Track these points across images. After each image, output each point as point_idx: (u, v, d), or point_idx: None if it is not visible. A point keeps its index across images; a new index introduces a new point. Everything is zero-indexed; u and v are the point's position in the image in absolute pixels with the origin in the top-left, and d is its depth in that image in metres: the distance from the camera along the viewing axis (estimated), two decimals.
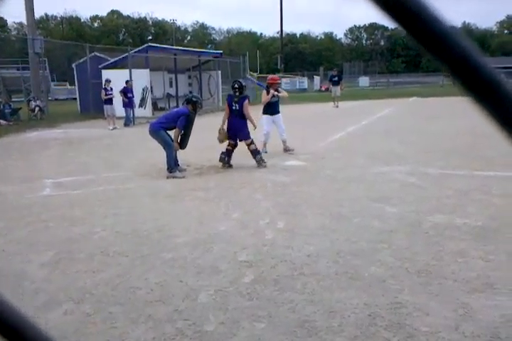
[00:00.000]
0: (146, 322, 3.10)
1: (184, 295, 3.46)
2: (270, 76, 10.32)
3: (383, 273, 3.75)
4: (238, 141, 8.28)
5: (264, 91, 9.73)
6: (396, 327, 2.96)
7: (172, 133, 7.85)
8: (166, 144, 7.81)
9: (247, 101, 8.22)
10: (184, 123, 7.75)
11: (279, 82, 9.98)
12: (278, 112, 9.69)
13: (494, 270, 3.77)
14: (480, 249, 4.21)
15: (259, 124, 9.26)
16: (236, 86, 8.32)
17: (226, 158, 8.24)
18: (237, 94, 8.28)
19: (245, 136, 8.20)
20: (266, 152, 9.61)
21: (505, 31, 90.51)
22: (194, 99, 8.05)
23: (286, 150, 9.76)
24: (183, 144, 8.00)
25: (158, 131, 7.83)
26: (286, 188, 6.80)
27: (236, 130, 8.21)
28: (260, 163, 8.24)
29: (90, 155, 10.37)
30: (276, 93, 9.45)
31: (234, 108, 8.21)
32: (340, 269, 3.86)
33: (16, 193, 6.85)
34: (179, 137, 7.86)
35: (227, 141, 8.27)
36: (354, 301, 3.30)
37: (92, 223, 5.33)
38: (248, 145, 8.22)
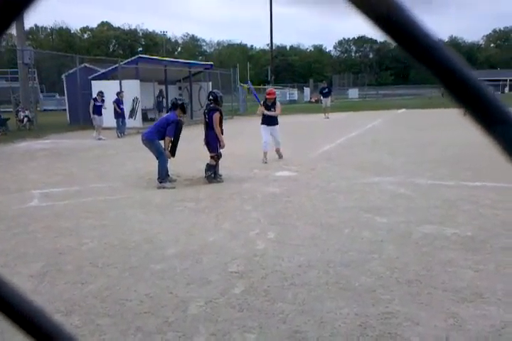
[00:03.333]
0: (135, 334, 3.06)
1: (174, 307, 3.43)
2: (268, 90, 10.52)
3: (374, 283, 3.75)
4: (221, 152, 8.17)
5: (260, 104, 10.10)
6: (387, 337, 2.95)
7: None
8: (160, 154, 7.78)
9: (215, 114, 7.94)
10: (174, 131, 7.73)
11: (275, 97, 10.15)
12: (275, 124, 10.02)
13: (483, 280, 3.79)
14: (469, 259, 4.24)
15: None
16: (211, 97, 8.12)
17: (212, 174, 8.07)
18: (211, 105, 8.10)
19: (212, 148, 8.06)
20: (266, 162, 9.86)
21: (492, 45, 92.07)
22: (179, 102, 8.03)
23: (279, 156, 10.30)
24: (173, 152, 7.97)
25: (152, 140, 7.79)
26: (276, 199, 6.80)
27: (207, 142, 8.11)
28: (208, 178, 8.02)
29: (79, 165, 10.31)
30: (266, 112, 9.85)
31: (206, 120, 8.11)
32: (330, 279, 3.86)
33: (3, 204, 6.78)
34: (170, 145, 7.84)
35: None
36: (345, 311, 3.30)
37: (80, 234, 5.28)
38: (210, 157, 8.08)
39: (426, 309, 3.31)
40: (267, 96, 9.95)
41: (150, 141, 7.81)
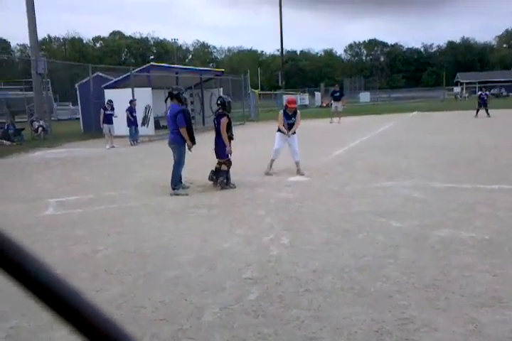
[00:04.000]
0: None
1: (189, 314, 3.42)
2: (289, 98, 9.94)
3: (390, 289, 3.71)
4: (230, 158, 8.11)
5: (280, 113, 9.36)
6: None
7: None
8: (180, 159, 7.79)
9: (223, 119, 7.94)
10: (185, 120, 7.69)
11: (296, 106, 9.38)
12: (293, 133, 9.24)
13: (502, 284, 3.72)
14: (487, 263, 4.17)
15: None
16: (219, 102, 8.14)
17: (225, 180, 8.06)
18: (219, 110, 8.11)
19: (221, 154, 8.04)
20: (268, 173, 9.32)
21: (504, 45, 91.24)
22: (175, 92, 7.97)
23: (299, 173, 9.18)
24: (193, 139, 7.86)
25: (180, 144, 7.76)
26: (289, 204, 6.78)
27: (216, 148, 8.11)
28: (220, 184, 7.98)
29: (93, 174, 10.39)
30: (289, 133, 9.08)
31: (215, 125, 8.13)
32: (346, 285, 3.82)
33: (20, 213, 6.85)
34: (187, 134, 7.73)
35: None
36: (361, 317, 3.26)
37: (95, 242, 5.31)
38: (220, 163, 8.06)
39: (444, 314, 3.26)
40: (288, 106, 9.22)
41: (178, 144, 7.77)
